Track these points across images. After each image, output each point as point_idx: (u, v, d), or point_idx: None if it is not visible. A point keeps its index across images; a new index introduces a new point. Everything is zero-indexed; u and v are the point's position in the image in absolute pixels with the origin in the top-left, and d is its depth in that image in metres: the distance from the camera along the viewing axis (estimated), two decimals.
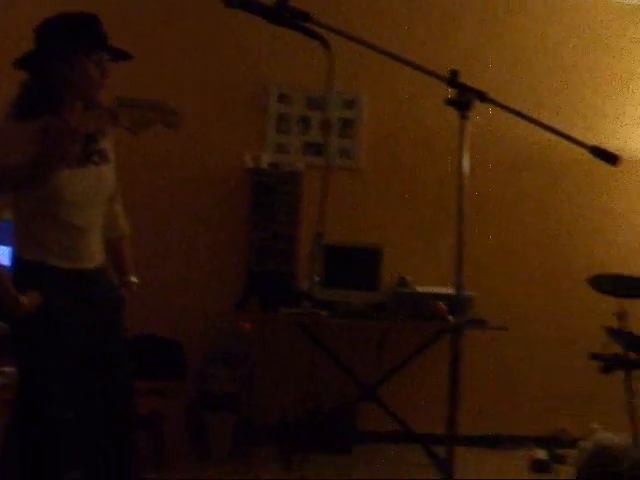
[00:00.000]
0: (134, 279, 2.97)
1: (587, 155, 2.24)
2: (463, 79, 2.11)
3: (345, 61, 5.20)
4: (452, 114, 2.13)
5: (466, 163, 2.12)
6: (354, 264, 5.02)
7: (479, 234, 5.51)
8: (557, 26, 5.80)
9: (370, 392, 5.00)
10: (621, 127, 5.80)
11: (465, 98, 2.09)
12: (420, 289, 4.96)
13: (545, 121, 2.17)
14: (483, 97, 2.10)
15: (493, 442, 5.42)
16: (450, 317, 4.72)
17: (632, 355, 4.39)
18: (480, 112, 2.24)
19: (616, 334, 4.45)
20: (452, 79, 2.10)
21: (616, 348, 4.43)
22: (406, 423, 4.97)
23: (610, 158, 2.24)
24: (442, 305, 4.70)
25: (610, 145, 5.87)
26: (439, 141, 5.36)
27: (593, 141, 2.23)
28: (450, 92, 2.11)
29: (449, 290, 4.79)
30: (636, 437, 4.45)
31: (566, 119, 5.49)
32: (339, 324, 4.97)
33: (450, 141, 2.74)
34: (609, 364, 4.44)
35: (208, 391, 4.79)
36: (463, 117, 2.09)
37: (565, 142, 2.23)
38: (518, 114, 2.16)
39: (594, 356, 4.48)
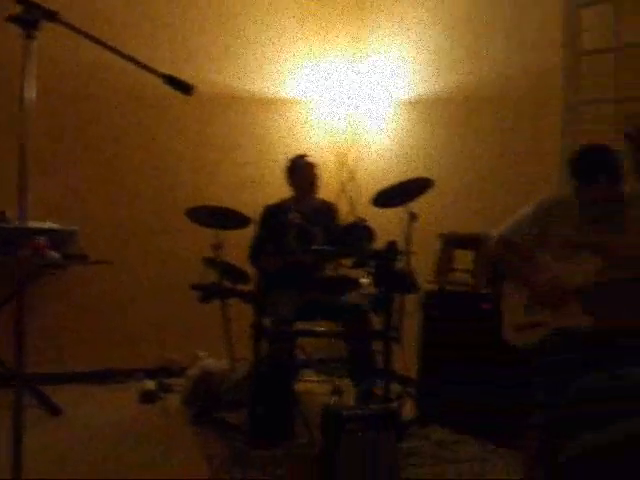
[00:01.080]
0: None
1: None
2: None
3: None
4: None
5: (32, 89, 2.04)
6: None
7: (85, 166, 5.43)
8: None
9: None
10: (218, 63, 6.00)
11: (31, 16, 2.01)
12: (19, 224, 4.72)
13: (137, 50, 2.16)
14: (52, 17, 2.04)
15: (103, 377, 5.47)
16: (52, 253, 4.59)
17: (226, 284, 4.63)
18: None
19: (212, 263, 4.66)
20: None
21: (214, 278, 4.64)
22: (7, 364, 4.77)
23: (184, 87, 2.32)
24: (42, 240, 4.53)
25: (209, 81, 6.00)
26: None
27: (192, 77, 2.29)
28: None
29: (52, 225, 4.66)
30: (233, 362, 4.73)
31: (165, 51, 5.57)
32: None
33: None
34: (206, 294, 4.64)
35: None
36: (29, 37, 2.01)
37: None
38: (92, 38, 2.13)
39: (194, 287, 4.65)
